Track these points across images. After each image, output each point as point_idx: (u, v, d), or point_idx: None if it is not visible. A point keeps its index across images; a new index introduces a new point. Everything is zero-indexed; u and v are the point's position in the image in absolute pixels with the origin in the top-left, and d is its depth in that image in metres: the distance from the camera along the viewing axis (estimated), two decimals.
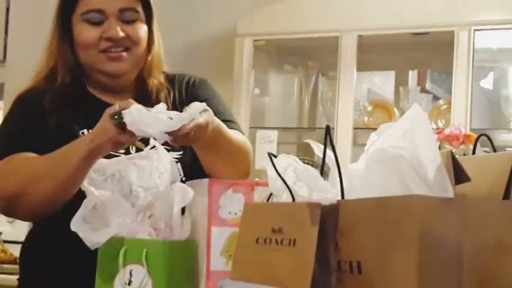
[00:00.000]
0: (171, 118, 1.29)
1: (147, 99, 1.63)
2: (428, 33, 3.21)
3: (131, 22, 1.65)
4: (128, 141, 1.39)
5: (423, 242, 0.87)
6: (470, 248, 0.90)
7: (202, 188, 1.24)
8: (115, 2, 1.63)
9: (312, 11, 3.37)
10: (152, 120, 1.26)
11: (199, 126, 1.35)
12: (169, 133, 1.27)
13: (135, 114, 1.28)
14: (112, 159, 1.35)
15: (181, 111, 1.51)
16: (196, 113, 1.34)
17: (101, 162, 1.32)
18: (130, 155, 1.36)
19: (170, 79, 1.74)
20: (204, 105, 1.40)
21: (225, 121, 1.62)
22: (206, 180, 1.25)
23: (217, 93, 1.77)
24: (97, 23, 1.63)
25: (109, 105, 1.65)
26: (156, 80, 1.70)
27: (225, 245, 1.23)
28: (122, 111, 1.32)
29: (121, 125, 1.33)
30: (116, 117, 1.35)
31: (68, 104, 1.65)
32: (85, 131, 1.64)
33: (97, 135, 1.40)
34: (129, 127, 1.29)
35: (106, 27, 1.63)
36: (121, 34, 1.63)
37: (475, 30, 3.06)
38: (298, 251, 1.00)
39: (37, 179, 1.47)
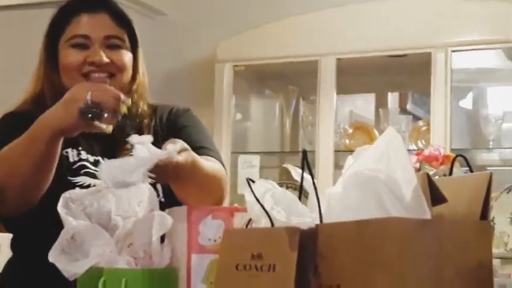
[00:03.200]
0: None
1: (130, 126, 1.63)
2: (405, 55, 3.23)
3: (116, 49, 1.67)
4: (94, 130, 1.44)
5: (402, 263, 0.87)
6: (449, 268, 0.90)
7: (181, 215, 1.23)
8: (100, 29, 1.65)
9: (291, 35, 3.39)
10: (129, 166, 1.24)
11: (177, 163, 1.34)
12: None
13: (110, 168, 1.25)
14: (89, 188, 1.35)
15: (161, 140, 1.52)
16: (174, 151, 1.34)
17: (79, 192, 1.31)
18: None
19: (153, 109, 1.75)
20: (182, 143, 1.39)
21: (201, 148, 1.61)
22: (185, 207, 1.25)
23: (198, 122, 1.77)
24: (82, 48, 1.65)
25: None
26: (140, 108, 1.70)
27: (206, 273, 1.22)
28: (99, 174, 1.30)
29: (90, 120, 1.36)
30: (85, 112, 1.38)
31: None
32: (69, 149, 1.64)
33: (62, 122, 1.45)
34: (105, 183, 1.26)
35: (91, 52, 1.64)
36: (105, 59, 1.64)
37: (452, 51, 3.09)
38: (278, 276, 0.99)
39: (13, 167, 1.49)
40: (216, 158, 1.65)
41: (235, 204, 1.39)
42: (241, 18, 3.66)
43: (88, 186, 1.58)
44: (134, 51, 1.70)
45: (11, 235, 1.72)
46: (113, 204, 1.30)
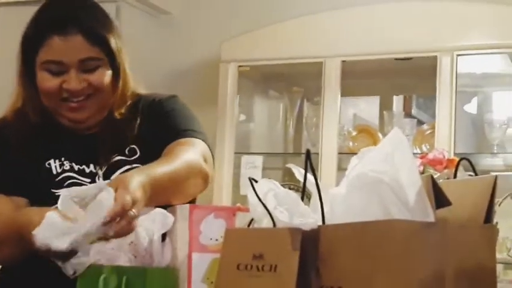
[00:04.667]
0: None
1: (114, 133, 1.63)
2: (411, 58, 3.23)
3: (93, 70, 1.61)
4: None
5: (405, 266, 0.86)
6: (452, 272, 0.89)
7: (183, 214, 1.22)
8: (74, 53, 1.58)
9: (296, 36, 3.39)
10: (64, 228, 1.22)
11: (133, 202, 1.26)
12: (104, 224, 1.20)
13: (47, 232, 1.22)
14: (89, 185, 1.34)
15: (145, 131, 1.51)
16: (111, 193, 1.24)
17: (79, 189, 1.30)
18: (108, 181, 1.34)
19: (136, 100, 1.70)
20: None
21: (186, 130, 1.60)
22: (187, 206, 1.24)
23: (183, 106, 1.72)
24: (58, 73, 1.59)
25: (80, 135, 1.64)
26: (119, 114, 1.67)
27: (206, 272, 1.22)
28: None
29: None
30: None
31: (37, 138, 1.65)
32: (51, 161, 1.62)
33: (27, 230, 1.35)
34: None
35: (67, 78, 1.59)
36: (81, 86, 1.59)
37: (458, 55, 3.08)
38: (280, 277, 0.99)
39: None
40: (201, 139, 1.63)
41: (238, 204, 1.38)
42: (246, 18, 3.65)
43: None
44: (113, 64, 1.64)
45: None
46: (113, 201, 1.29)
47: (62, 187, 1.59)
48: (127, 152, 1.63)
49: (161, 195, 1.40)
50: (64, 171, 1.62)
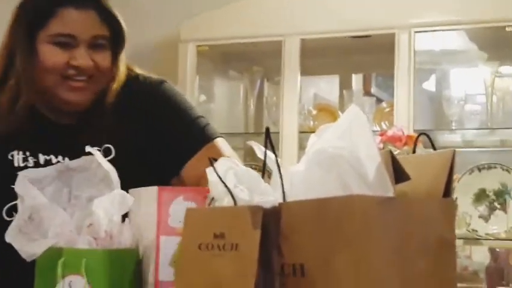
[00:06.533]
0: None
1: (96, 126, 1.59)
2: (369, 36, 3.23)
3: (100, 49, 1.57)
4: None
5: (365, 241, 0.87)
6: (412, 246, 0.89)
7: (150, 196, 1.20)
8: (89, 29, 1.55)
9: (255, 15, 3.37)
10: None
11: None
12: None
13: None
14: (48, 167, 1.31)
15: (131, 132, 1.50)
16: None
17: (38, 171, 1.28)
18: (68, 162, 1.32)
19: (125, 91, 1.65)
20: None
21: (196, 118, 1.62)
22: (154, 188, 1.21)
23: (174, 99, 1.69)
24: (66, 48, 1.54)
25: (55, 124, 1.59)
26: (108, 105, 1.62)
27: (174, 255, 1.20)
28: None
29: None
30: None
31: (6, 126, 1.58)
32: (15, 153, 1.58)
33: None
34: None
35: (76, 54, 1.54)
36: (90, 64, 1.55)
37: (415, 32, 3.10)
38: (241, 255, 0.98)
39: None
40: (216, 136, 1.65)
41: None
42: None
43: None
44: (117, 48, 1.62)
45: None
46: (73, 183, 1.28)
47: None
48: (101, 150, 1.57)
49: None
50: (27, 166, 1.56)
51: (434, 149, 1.08)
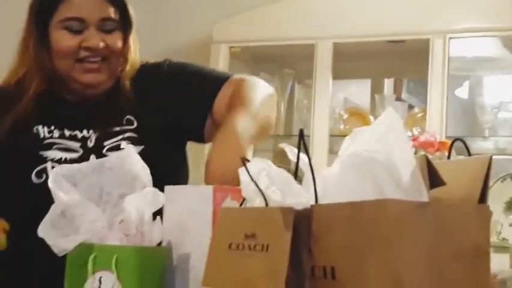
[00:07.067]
0: None
1: (117, 102, 1.63)
2: (403, 41, 3.22)
3: (110, 31, 1.62)
4: None
5: (398, 246, 0.86)
6: (446, 252, 0.88)
7: (202, 195, 1.20)
8: (96, 11, 1.59)
9: (288, 18, 3.37)
10: None
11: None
12: None
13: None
14: (81, 163, 1.33)
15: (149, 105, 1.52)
16: None
17: (71, 167, 1.29)
18: (101, 159, 1.33)
19: (139, 72, 1.70)
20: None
21: (224, 78, 1.64)
22: (209, 187, 1.21)
23: (189, 68, 1.74)
24: (77, 32, 1.59)
25: (78, 105, 1.63)
26: (126, 86, 1.67)
27: None
28: None
29: None
30: None
31: (32, 107, 1.64)
32: (39, 127, 1.62)
33: None
34: None
35: (87, 36, 1.59)
36: (101, 44, 1.60)
37: (450, 38, 3.08)
38: (272, 256, 0.98)
39: None
40: (230, 75, 1.67)
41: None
42: None
43: (60, 160, 1.56)
44: (127, 31, 1.66)
45: None
46: (105, 180, 1.28)
47: (50, 149, 1.59)
48: (124, 121, 1.63)
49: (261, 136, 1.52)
50: (52, 137, 1.61)
51: (469, 155, 1.06)
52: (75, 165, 1.29)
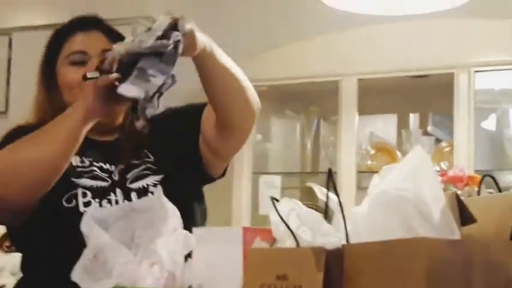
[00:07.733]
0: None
1: (136, 139, 1.66)
2: (428, 75, 3.22)
3: None
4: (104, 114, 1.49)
5: (431, 284, 0.86)
6: None
7: (231, 236, 1.20)
8: (96, 44, 1.66)
9: (312, 55, 3.39)
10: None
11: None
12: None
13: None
14: (113, 207, 1.34)
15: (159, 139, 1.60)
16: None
17: (103, 210, 1.30)
18: (132, 202, 1.35)
19: None
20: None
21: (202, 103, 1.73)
22: (238, 229, 1.21)
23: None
24: (80, 63, 1.65)
25: (98, 141, 1.66)
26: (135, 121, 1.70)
27: None
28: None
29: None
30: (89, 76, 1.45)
31: None
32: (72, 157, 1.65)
33: (80, 108, 1.49)
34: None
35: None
36: None
37: (475, 71, 3.07)
38: None
39: (28, 145, 1.51)
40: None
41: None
42: (263, 37, 3.66)
43: (91, 187, 1.58)
44: None
45: (16, 256, 1.70)
46: (136, 223, 1.29)
47: (81, 177, 1.60)
48: (142, 154, 1.67)
49: (220, 61, 1.64)
50: (84, 167, 1.64)
51: (499, 190, 1.06)
52: (107, 209, 1.31)
